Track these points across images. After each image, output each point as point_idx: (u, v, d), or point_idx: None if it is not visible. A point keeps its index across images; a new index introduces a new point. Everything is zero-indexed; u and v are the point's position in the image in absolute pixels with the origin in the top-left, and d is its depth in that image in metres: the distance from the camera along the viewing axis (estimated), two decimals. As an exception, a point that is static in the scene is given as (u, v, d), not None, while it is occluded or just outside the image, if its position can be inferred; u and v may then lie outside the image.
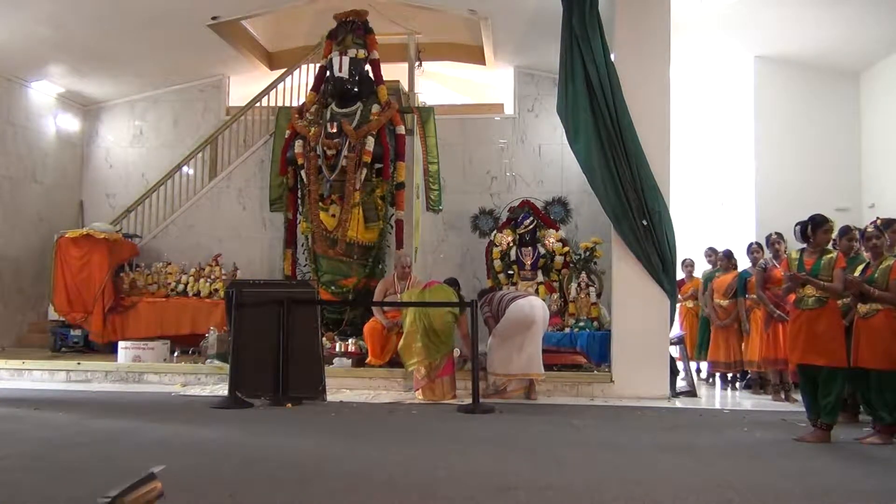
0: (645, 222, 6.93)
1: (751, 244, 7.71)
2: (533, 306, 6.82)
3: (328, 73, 8.94)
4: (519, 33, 9.47)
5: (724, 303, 7.75)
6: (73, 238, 9.31)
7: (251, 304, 6.53)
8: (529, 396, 6.88)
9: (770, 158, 9.40)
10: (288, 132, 9.09)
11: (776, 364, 6.97)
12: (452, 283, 7.27)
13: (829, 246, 5.36)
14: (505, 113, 10.61)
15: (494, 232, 9.07)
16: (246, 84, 11.02)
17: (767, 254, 7.30)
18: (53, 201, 10.71)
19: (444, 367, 6.79)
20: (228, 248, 10.02)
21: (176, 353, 8.44)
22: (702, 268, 8.69)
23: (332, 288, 8.68)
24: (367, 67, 9.00)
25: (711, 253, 8.40)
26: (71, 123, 11.10)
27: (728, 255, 7.96)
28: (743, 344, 7.62)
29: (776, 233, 7.19)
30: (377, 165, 8.73)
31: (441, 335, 6.78)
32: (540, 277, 8.66)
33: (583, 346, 7.68)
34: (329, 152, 8.53)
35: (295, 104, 9.86)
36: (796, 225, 5.31)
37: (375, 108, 8.81)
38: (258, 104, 10.36)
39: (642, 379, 6.99)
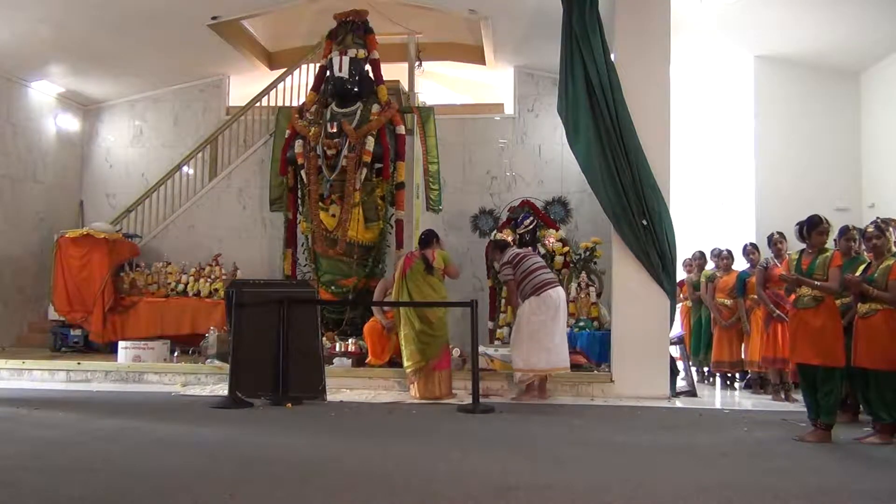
0: (645, 222, 6.92)
1: (746, 245, 7.72)
2: (560, 296, 6.72)
3: (328, 72, 8.93)
4: (519, 33, 9.47)
5: (729, 302, 7.76)
6: (73, 238, 9.30)
7: (251, 304, 6.53)
8: (542, 396, 6.83)
9: (770, 158, 9.38)
10: (288, 132, 9.08)
11: (776, 364, 6.97)
12: (429, 236, 7.05)
13: (830, 245, 5.37)
14: (505, 113, 10.61)
15: (494, 232, 9.06)
16: (246, 84, 11.02)
17: (769, 253, 7.30)
18: (53, 201, 10.71)
19: (441, 359, 6.77)
20: (228, 248, 10.02)
21: (176, 353, 8.44)
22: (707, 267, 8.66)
23: (332, 288, 8.68)
24: (367, 67, 8.99)
25: (718, 253, 8.39)
26: (71, 123, 11.10)
27: (729, 255, 7.97)
28: (743, 344, 7.64)
29: (778, 232, 7.18)
30: (377, 165, 8.72)
31: (433, 324, 6.75)
32: (540, 277, 8.64)
33: (583, 346, 7.68)
34: (329, 152, 8.52)
35: (295, 104, 9.86)
36: (796, 225, 5.43)
37: (375, 107, 8.81)
38: (258, 104, 10.37)
39: (642, 379, 6.98)
